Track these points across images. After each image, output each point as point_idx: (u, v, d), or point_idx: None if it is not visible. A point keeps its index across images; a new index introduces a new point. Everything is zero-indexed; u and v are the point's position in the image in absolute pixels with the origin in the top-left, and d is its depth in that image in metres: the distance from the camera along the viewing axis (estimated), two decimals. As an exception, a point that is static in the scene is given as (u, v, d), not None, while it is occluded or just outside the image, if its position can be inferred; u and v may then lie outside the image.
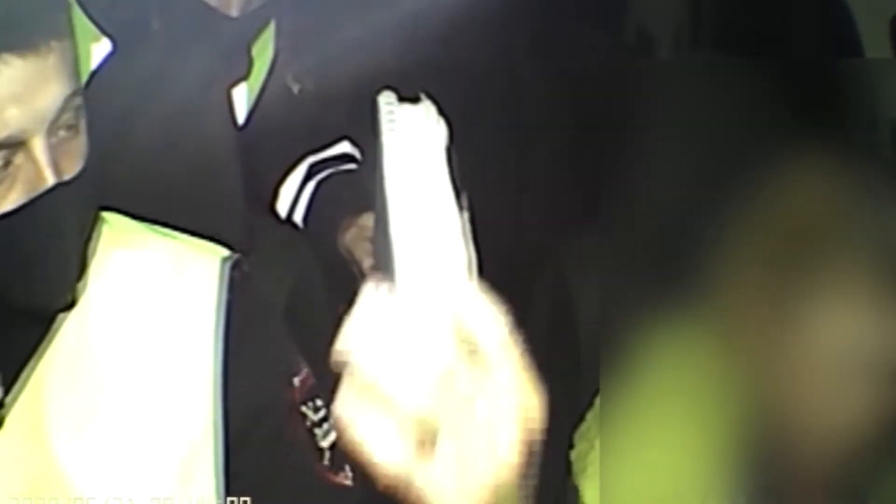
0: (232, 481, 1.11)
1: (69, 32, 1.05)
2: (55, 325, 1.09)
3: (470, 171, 2.15)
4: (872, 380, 0.98)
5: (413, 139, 0.88)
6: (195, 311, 1.12)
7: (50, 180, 1.02)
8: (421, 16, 1.72)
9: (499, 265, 2.14)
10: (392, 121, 0.88)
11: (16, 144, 1.01)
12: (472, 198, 2.10)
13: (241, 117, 1.76)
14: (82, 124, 1.06)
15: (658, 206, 1.04)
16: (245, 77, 1.75)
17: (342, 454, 1.17)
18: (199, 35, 1.70)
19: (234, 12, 1.72)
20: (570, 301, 1.90)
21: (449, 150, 0.91)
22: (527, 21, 2.28)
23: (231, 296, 1.13)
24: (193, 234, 1.19)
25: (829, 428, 0.99)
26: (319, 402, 1.18)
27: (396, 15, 1.70)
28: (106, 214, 1.14)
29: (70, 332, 1.09)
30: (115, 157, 1.54)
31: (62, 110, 1.03)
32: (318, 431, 1.17)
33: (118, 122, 1.64)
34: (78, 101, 1.05)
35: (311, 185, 1.90)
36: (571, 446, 1.24)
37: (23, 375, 1.07)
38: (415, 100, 0.91)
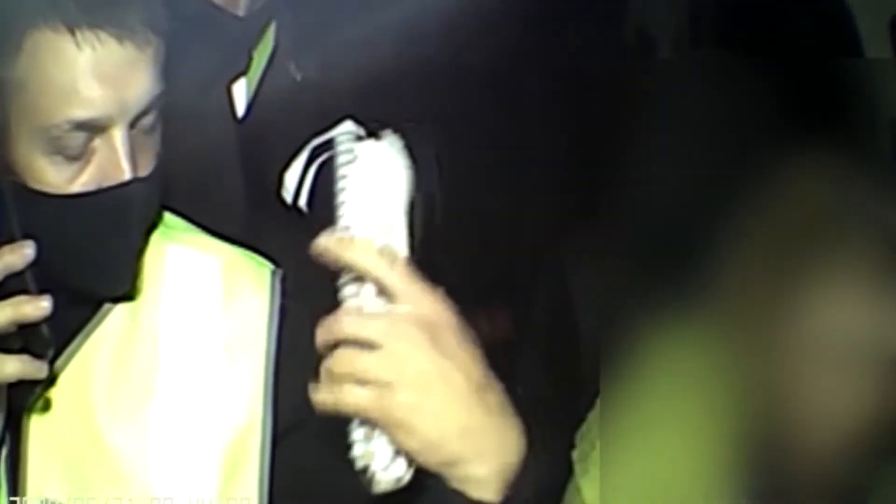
0: (275, 477, 1.13)
1: (165, 32, 1.06)
2: (102, 310, 1.10)
3: (470, 172, 2.15)
4: (875, 377, 0.98)
5: (371, 179, 0.87)
6: (248, 313, 1.14)
7: (127, 173, 1.03)
8: (421, 16, 1.72)
9: (499, 265, 2.14)
10: (350, 160, 0.88)
11: (97, 128, 1.02)
12: (472, 198, 2.09)
13: (240, 111, 1.76)
14: (159, 126, 1.07)
15: (658, 206, 1.04)
16: (244, 72, 1.75)
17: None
18: (202, 33, 1.71)
19: (241, 12, 1.72)
20: (570, 301, 1.90)
21: (413, 185, 0.91)
22: (527, 21, 2.28)
23: (284, 302, 1.15)
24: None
25: (830, 426, 0.99)
26: None
27: (396, 15, 1.70)
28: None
29: (121, 317, 1.11)
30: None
31: (149, 106, 1.04)
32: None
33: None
34: (162, 102, 1.06)
35: (313, 169, 1.90)
36: (573, 446, 1.24)
37: (67, 352, 1.08)
38: (377, 134, 0.91)
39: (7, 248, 1.00)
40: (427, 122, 1.97)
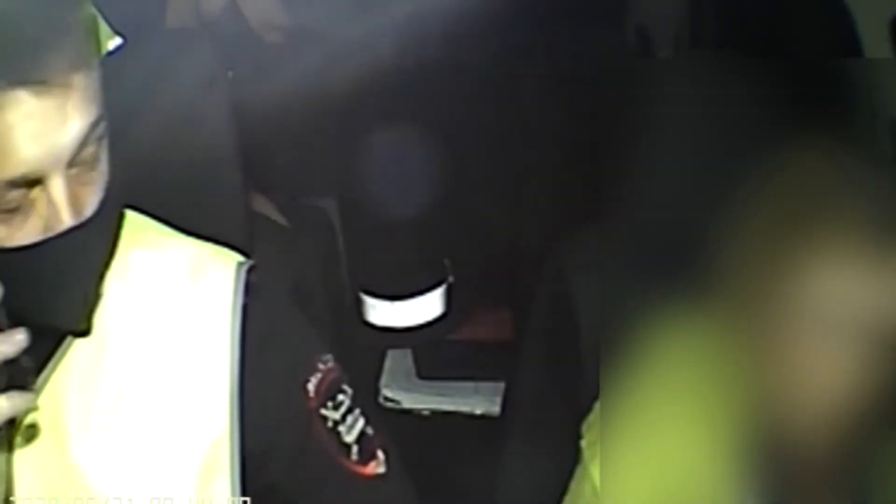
0: (261, 496, 1.11)
1: (94, 60, 1.01)
2: (68, 339, 1.08)
3: (470, 172, 2.14)
4: (880, 370, 0.98)
5: None
6: (212, 313, 1.12)
7: (66, 221, 0.99)
8: (421, 16, 1.72)
9: (499, 265, 2.14)
10: None
11: (32, 181, 0.98)
12: (472, 198, 2.09)
13: None
14: (104, 149, 1.03)
15: (658, 206, 1.05)
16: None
17: (370, 440, 1.18)
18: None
19: (277, 38, 1.72)
20: (570, 301, 1.90)
21: None
22: (527, 21, 2.28)
23: (247, 300, 1.12)
24: (192, 235, 1.19)
25: (836, 419, 1.00)
26: (341, 397, 1.18)
27: (396, 15, 1.70)
28: (126, 212, 1.13)
29: (87, 341, 1.08)
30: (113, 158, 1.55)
31: (83, 145, 0.99)
32: (341, 429, 1.17)
33: (115, 121, 1.64)
34: (100, 129, 1.01)
35: None
36: (580, 437, 1.24)
37: (40, 378, 1.06)
38: None
39: None
40: (427, 122, 1.97)
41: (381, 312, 2.39)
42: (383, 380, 2.05)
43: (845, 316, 0.98)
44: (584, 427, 1.25)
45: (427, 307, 2.38)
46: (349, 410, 1.18)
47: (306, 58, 1.77)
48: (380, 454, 1.19)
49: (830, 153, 0.99)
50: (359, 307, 2.41)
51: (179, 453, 1.09)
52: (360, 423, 1.18)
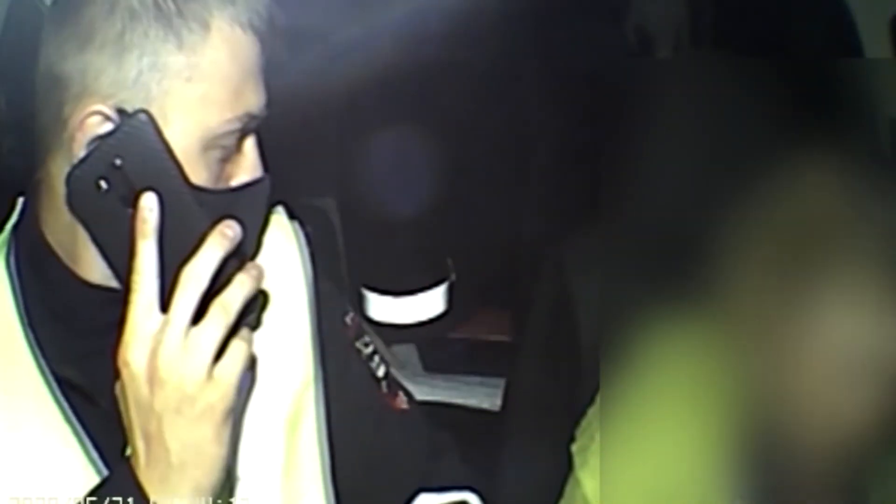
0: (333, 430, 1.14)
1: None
2: None
3: (470, 172, 2.14)
4: (874, 377, 0.98)
5: None
6: (286, 266, 1.14)
7: (259, 170, 1.04)
8: (421, 16, 1.72)
9: (499, 265, 2.14)
10: None
11: (249, 129, 1.03)
12: (472, 198, 2.09)
13: None
14: None
15: (658, 206, 1.05)
16: None
17: (394, 379, 1.22)
18: None
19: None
20: (570, 301, 1.90)
21: None
22: (527, 21, 2.28)
23: (311, 249, 1.16)
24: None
25: (830, 424, 1.00)
26: (367, 338, 1.22)
27: (396, 15, 1.70)
28: None
29: None
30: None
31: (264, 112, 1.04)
32: (372, 364, 1.21)
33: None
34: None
35: None
36: (573, 440, 1.24)
37: None
38: None
39: (221, 225, 0.99)
40: (427, 122, 1.97)
41: (382, 308, 2.39)
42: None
43: (845, 316, 0.98)
44: (578, 431, 1.25)
45: (429, 304, 2.38)
46: (374, 352, 1.22)
47: (306, 59, 1.77)
48: (402, 393, 1.23)
49: (830, 153, 0.99)
50: (360, 303, 2.41)
51: (270, 407, 1.09)
52: (384, 364, 1.22)
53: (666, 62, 1.76)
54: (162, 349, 0.94)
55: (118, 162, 0.96)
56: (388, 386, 1.21)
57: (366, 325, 1.25)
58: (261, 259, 1.09)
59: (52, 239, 1.03)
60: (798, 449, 1.01)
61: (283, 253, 1.15)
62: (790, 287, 0.99)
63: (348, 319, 1.20)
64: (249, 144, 1.04)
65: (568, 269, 1.77)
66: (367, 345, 1.21)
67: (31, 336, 1.02)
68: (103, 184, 0.96)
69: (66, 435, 1.01)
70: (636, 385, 1.05)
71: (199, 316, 0.95)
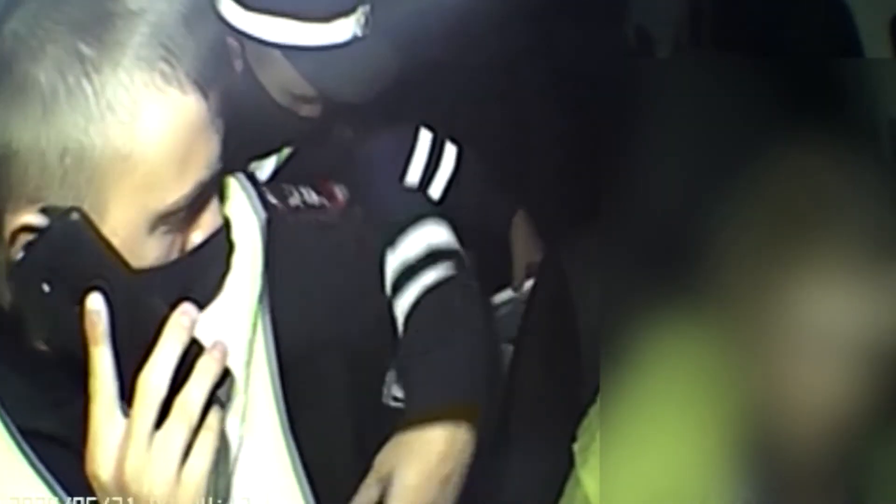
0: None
1: None
2: None
3: (470, 172, 2.13)
4: (878, 377, 0.98)
5: None
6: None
7: (218, 218, 0.99)
8: (421, 16, 1.72)
9: (499, 264, 2.14)
10: None
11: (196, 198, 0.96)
12: (472, 197, 2.07)
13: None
14: None
15: (658, 206, 1.05)
16: None
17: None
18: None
19: (311, 112, 1.69)
20: (570, 301, 1.90)
21: None
22: (527, 21, 2.28)
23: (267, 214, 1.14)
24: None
25: (831, 424, 1.00)
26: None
27: (396, 15, 1.70)
28: None
29: None
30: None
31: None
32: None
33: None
34: None
35: None
36: (574, 440, 1.24)
37: None
38: None
39: (175, 315, 0.93)
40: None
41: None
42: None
43: (845, 318, 0.98)
44: (579, 430, 1.25)
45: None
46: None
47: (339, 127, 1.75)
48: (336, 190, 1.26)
49: (830, 153, 0.99)
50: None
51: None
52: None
53: (666, 62, 1.76)
54: (127, 460, 0.91)
55: (56, 264, 0.91)
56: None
57: None
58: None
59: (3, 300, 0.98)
60: (798, 449, 1.01)
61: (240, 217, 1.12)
62: (791, 287, 0.99)
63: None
64: (207, 196, 0.98)
65: (568, 269, 1.77)
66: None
67: None
68: (45, 287, 0.91)
69: (36, 484, 0.98)
70: (636, 384, 1.05)
71: (165, 410, 0.92)
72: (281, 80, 1.62)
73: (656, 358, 1.04)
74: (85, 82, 0.90)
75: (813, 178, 0.99)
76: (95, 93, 0.90)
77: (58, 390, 0.98)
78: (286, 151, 1.71)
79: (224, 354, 0.94)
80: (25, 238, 0.93)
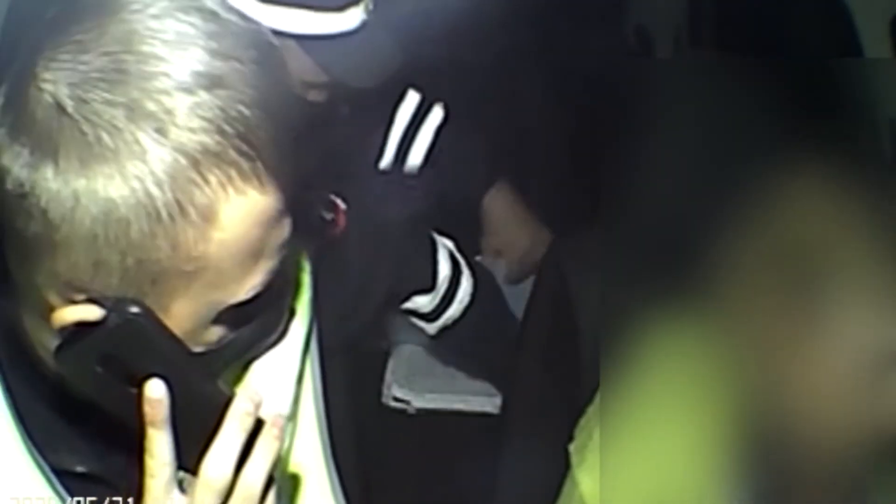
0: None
1: None
2: None
3: (470, 172, 2.13)
4: (873, 375, 0.98)
5: None
6: None
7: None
8: (421, 16, 1.72)
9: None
10: None
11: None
12: (472, 197, 2.07)
13: None
14: None
15: (658, 206, 1.05)
16: None
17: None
18: None
19: (318, 96, 1.74)
20: (570, 301, 1.90)
21: None
22: (527, 21, 2.27)
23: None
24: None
25: (830, 426, 1.00)
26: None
27: (396, 15, 1.70)
28: None
29: None
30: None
31: None
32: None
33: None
34: None
35: None
36: (571, 439, 1.24)
37: None
38: None
39: (238, 404, 0.89)
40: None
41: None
42: (388, 379, 2.05)
43: (846, 320, 0.98)
44: (576, 430, 1.25)
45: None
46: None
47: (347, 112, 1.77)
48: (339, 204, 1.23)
49: (830, 154, 0.99)
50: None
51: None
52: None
53: (666, 62, 1.76)
54: None
55: (112, 352, 0.87)
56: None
57: None
58: None
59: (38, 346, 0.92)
60: (797, 450, 1.01)
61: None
62: (791, 287, 0.99)
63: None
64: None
65: (568, 269, 1.77)
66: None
67: (23, 432, 0.93)
68: (99, 368, 0.87)
69: (36, 484, 0.94)
70: (636, 384, 1.05)
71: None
72: (295, 68, 1.65)
73: (656, 358, 1.04)
74: (151, 184, 0.79)
75: (813, 178, 0.99)
76: (173, 204, 0.80)
77: (91, 429, 0.95)
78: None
79: (282, 430, 0.91)
80: (74, 318, 0.86)
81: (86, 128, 0.79)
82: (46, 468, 0.95)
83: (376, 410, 2.00)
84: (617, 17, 2.45)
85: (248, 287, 0.88)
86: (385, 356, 2.06)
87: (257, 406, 0.90)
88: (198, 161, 0.80)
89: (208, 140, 0.80)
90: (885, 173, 1.01)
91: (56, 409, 0.95)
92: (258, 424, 0.91)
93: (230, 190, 0.82)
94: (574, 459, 1.21)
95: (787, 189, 0.99)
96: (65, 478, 0.95)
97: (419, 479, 2.02)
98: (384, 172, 1.88)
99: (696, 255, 1.01)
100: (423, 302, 1.47)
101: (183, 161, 0.80)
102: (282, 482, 1.04)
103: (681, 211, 1.03)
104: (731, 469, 1.03)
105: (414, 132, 1.94)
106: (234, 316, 0.91)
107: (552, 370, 1.85)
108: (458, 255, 1.51)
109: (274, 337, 1.01)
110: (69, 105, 0.79)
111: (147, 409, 0.88)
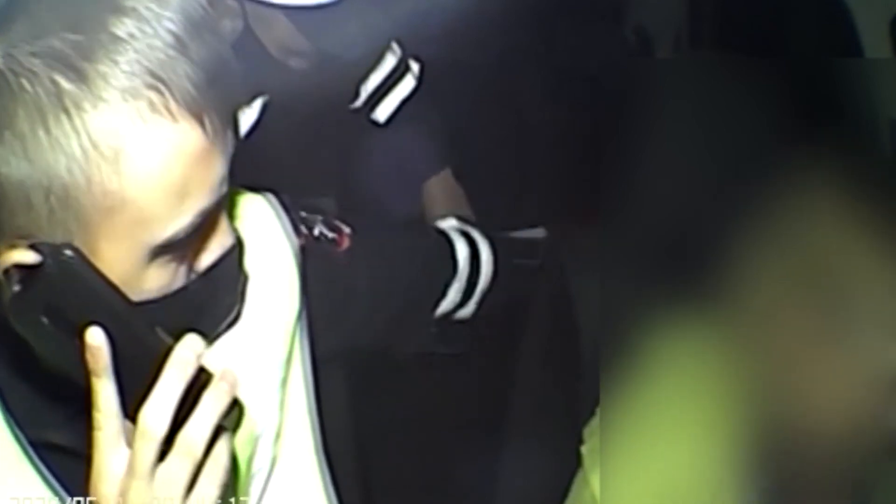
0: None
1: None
2: None
3: (470, 171, 2.14)
4: (878, 374, 0.98)
5: None
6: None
7: (229, 238, 0.96)
8: (421, 16, 1.72)
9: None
10: None
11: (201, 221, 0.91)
12: (472, 197, 2.09)
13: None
14: None
15: (658, 206, 1.05)
16: None
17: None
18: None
19: (300, 64, 1.77)
20: (570, 301, 1.90)
21: None
22: (527, 21, 2.28)
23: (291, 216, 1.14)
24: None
25: (837, 431, 1.00)
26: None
27: (397, 15, 1.71)
28: None
29: None
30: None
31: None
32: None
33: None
34: None
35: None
36: (581, 442, 1.24)
37: None
38: None
39: (178, 350, 0.90)
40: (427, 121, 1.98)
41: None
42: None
43: (848, 321, 0.98)
44: (586, 432, 1.25)
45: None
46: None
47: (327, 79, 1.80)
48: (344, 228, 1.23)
49: (830, 153, 0.99)
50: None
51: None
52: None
53: (666, 62, 1.76)
54: (129, 494, 0.89)
55: (53, 300, 0.89)
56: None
57: None
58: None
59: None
60: (803, 453, 1.01)
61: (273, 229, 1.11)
62: (792, 287, 0.99)
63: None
64: (214, 218, 0.94)
65: (568, 269, 1.77)
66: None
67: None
68: (44, 319, 0.90)
69: (36, 484, 0.97)
70: (637, 385, 1.05)
71: (172, 441, 0.90)
72: (280, 37, 1.71)
73: (656, 358, 1.04)
74: (64, 119, 0.84)
75: (813, 178, 0.99)
76: (76, 130, 0.85)
77: (69, 404, 0.96)
78: (261, 100, 1.75)
79: (233, 386, 0.92)
80: (20, 272, 0.90)
81: (10, 77, 0.85)
82: (24, 441, 0.96)
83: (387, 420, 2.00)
84: (617, 17, 2.45)
85: (173, 225, 0.89)
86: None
87: (198, 355, 0.91)
88: (107, 96, 0.85)
89: (121, 76, 0.85)
90: (886, 173, 1.01)
91: (33, 381, 0.97)
92: (207, 378, 0.91)
93: (140, 123, 0.86)
94: (587, 462, 1.21)
95: (787, 189, 0.99)
96: (42, 450, 0.97)
97: (417, 482, 2.03)
98: (355, 111, 1.91)
99: (696, 255, 1.01)
100: (451, 296, 1.45)
101: (93, 96, 0.85)
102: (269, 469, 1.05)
103: (680, 211, 1.03)
104: (736, 471, 1.03)
105: (386, 91, 1.95)
106: (169, 262, 0.92)
107: (552, 370, 1.85)
108: (466, 228, 1.50)
109: (222, 318, 1.01)
110: (0, 62, 0.85)
111: (89, 357, 0.89)
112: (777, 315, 1.00)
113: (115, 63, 0.85)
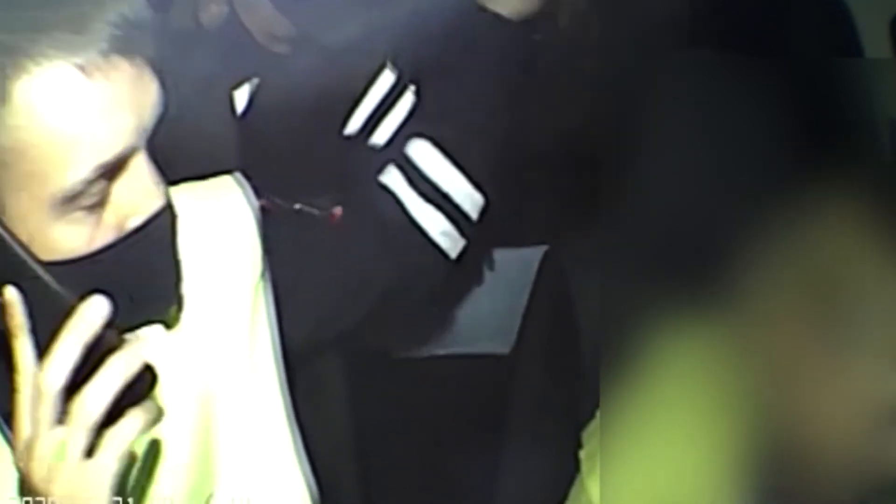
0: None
1: (157, 30, 0.94)
2: None
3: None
4: (879, 376, 0.98)
5: None
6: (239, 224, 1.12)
7: (161, 198, 0.94)
8: (421, 16, 1.72)
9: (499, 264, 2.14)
10: None
11: (120, 165, 0.91)
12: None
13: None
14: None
15: (658, 206, 1.04)
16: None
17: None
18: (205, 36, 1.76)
19: (283, 48, 1.80)
20: (570, 301, 1.90)
21: None
22: (527, 21, 2.27)
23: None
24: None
25: (838, 434, 0.99)
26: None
27: (396, 15, 1.71)
28: None
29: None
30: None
31: (160, 116, 0.93)
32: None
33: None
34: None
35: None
36: (580, 446, 1.24)
37: None
38: None
39: (81, 307, 0.89)
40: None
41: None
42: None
43: (849, 323, 0.98)
44: (585, 436, 1.25)
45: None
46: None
47: (310, 64, 1.81)
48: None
49: (830, 153, 0.99)
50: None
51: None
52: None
53: (666, 62, 1.76)
54: (33, 459, 0.88)
55: None
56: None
57: None
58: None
59: None
60: (805, 456, 1.01)
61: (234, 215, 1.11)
62: (792, 288, 0.99)
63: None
64: (136, 168, 0.93)
65: (568, 269, 1.77)
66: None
67: None
68: None
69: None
70: (637, 387, 1.05)
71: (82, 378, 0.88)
72: (265, 22, 1.73)
73: (657, 359, 1.04)
74: None
75: (812, 178, 0.99)
76: None
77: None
78: (255, 81, 1.78)
79: (137, 352, 0.90)
80: None
81: None
82: None
83: (378, 413, 2.00)
84: (618, 17, 2.45)
85: (70, 178, 0.88)
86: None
87: (102, 317, 0.89)
88: None
89: (20, 32, 0.85)
90: (886, 173, 1.01)
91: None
92: (118, 343, 0.90)
93: (23, 74, 0.86)
94: (584, 467, 1.21)
95: (787, 189, 0.99)
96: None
97: (418, 482, 2.03)
98: (348, 138, 1.91)
99: (696, 255, 1.01)
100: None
101: None
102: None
103: (681, 211, 1.03)
104: (736, 476, 1.03)
105: (385, 111, 1.95)
106: (84, 219, 0.91)
107: (552, 372, 1.85)
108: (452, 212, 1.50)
109: (160, 282, 0.99)
110: None
111: (7, 317, 0.88)
112: (777, 315, 1.00)
113: (18, 19, 0.85)
